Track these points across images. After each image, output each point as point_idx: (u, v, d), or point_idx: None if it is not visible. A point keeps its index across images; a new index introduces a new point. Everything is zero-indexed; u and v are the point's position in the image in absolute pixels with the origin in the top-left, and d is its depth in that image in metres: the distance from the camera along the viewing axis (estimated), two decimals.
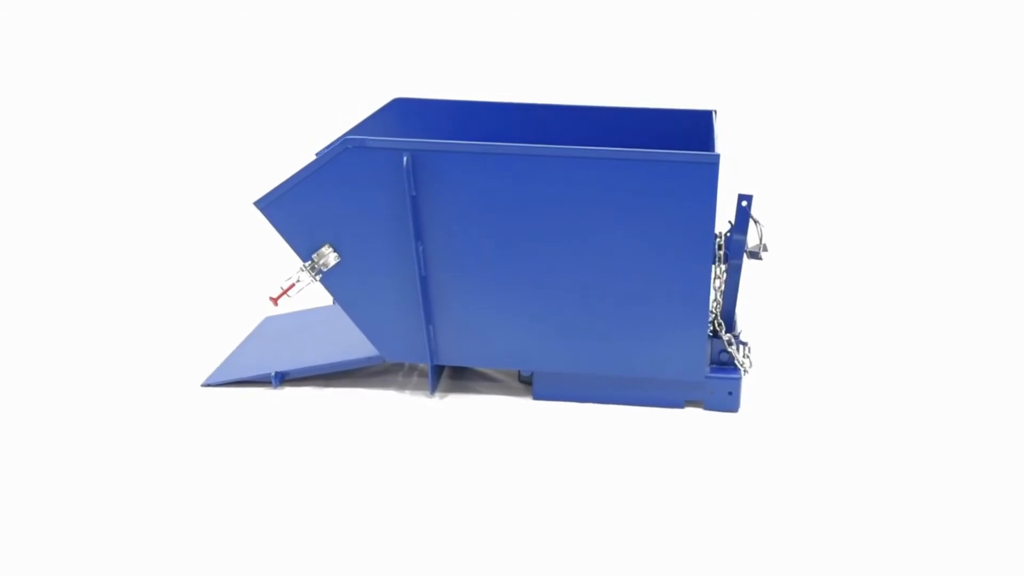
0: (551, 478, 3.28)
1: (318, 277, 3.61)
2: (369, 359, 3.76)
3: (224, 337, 4.17)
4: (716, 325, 3.67)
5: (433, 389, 3.75)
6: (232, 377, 3.83)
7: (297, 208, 3.59)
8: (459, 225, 3.55)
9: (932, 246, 5.13)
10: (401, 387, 3.80)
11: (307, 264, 3.61)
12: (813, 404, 3.69)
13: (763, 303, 4.54)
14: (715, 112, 3.97)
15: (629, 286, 3.54)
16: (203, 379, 3.85)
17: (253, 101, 6.49)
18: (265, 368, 3.82)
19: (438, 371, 3.82)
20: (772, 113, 6.38)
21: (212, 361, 3.96)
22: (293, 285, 3.61)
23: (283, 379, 3.80)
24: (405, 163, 3.46)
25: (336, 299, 3.69)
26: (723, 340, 3.64)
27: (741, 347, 3.69)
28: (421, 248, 3.58)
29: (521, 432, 3.54)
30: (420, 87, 6.05)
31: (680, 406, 3.67)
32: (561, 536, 3.00)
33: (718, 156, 3.38)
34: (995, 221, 5.41)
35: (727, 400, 3.64)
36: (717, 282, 3.67)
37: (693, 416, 3.62)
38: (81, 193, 5.73)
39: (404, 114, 4.16)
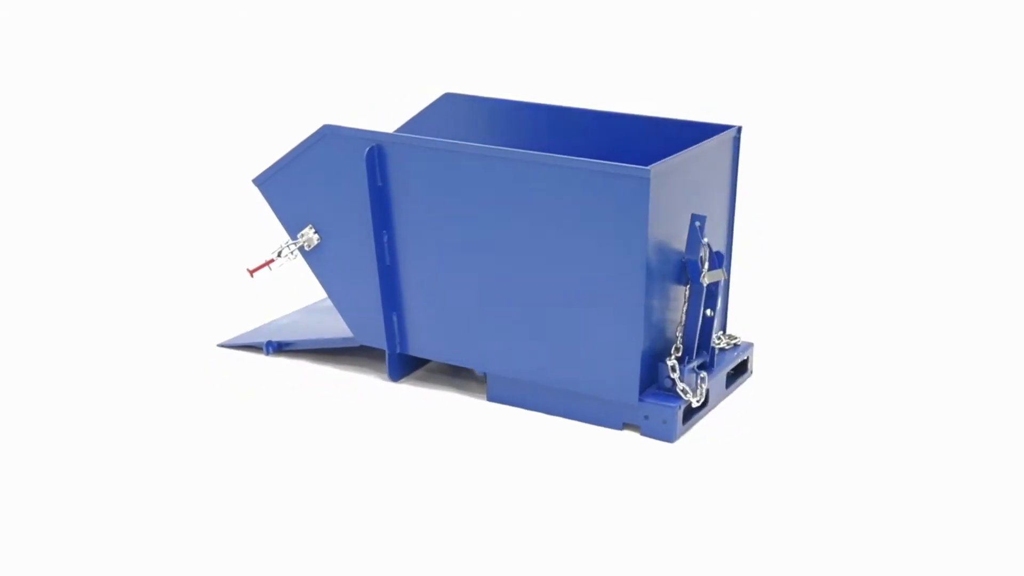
0: (443, 477, 3.26)
1: (295, 256, 3.80)
2: (345, 340, 3.89)
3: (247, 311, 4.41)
4: (675, 349, 3.52)
5: (396, 376, 3.83)
6: (243, 342, 4.09)
7: (285, 188, 3.79)
8: (421, 218, 3.61)
9: (931, 252, 5.00)
10: (381, 370, 3.92)
11: (290, 242, 3.81)
12: (761, 437, 3.45)
13: (760, 308, 4.36)
14: (739, 128, 3.77)
15: (566, 297, 3.46)
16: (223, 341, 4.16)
17: (307, 91, 6.57)
18: (270, 337, 4.05)
19: (410, 359, 3.89)
20: (793, 127, 6.21)
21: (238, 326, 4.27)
22: (272, 260, 3.82)
23: (276, 349, 4.02)
24: (367, 153, 3.59)
25: (317, 278, 3.86)
26: (667, 365, 3.47)
27: (694, 376, 3.49)
28: (386, 237, 3.68)
29: (451, 429, 3.54)
30: (497, 83, 6.01)
31: (618, 427, 3.54)
32: (406, 537, 3.00)
33: (649, 171, 3.24)
34: (994, 222, 5.28)
35: (661, 428, 3.45)
36: (686, 305, 3.51)
37: (625, 440, 3.46)
38: (117, 178, 5.92)
39: (453, 109, 4.25)
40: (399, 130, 4.22)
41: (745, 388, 3.80)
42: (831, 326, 4.31)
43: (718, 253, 3.54)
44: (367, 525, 3.03)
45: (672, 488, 3.22)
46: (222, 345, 4.09)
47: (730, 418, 3.61)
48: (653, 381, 3.51)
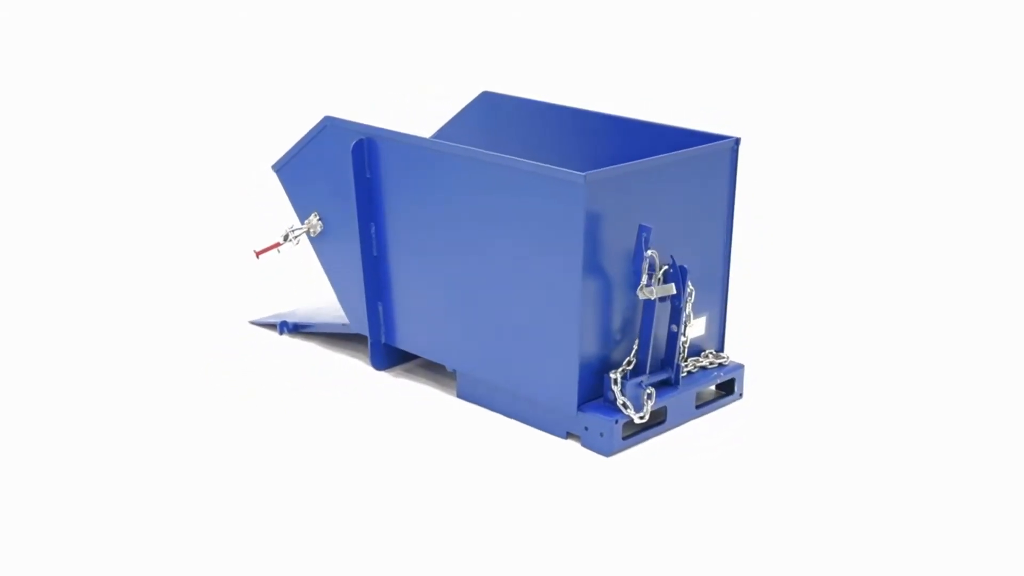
0: (379, 472, 3.29)
1: (297, 242, 3.92)
2: (344, 326, 3.99)
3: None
4: (627, 362, 3.41)
5: (381, 365, 3.89)
6: (272, 320, 4.26)
7: (295, 175, 3.93)
8: (403, 212, 3.68)
9: (932, 263, 4.95)
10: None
11: (296, 227, 3.94)
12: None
13: (764, 326, 4.22)
14: (737, 140, 3.60)
15: (517, 299, 3.44)
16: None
17: (355, 87, 6.54)
18: (292, 318, 4.20)
19: (397, 350, 3.92)
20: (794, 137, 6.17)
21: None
22: (279, 244, 3.96)
23: (291, 330, 4.16)
24: (353, 145, 3.67)
25: (321, 265, 3.97)
26: (610, 378, 3.36)
27: (639, 392, 3.36)
28: (374, 228, 3.76)
29: (411, 423, 3.57)
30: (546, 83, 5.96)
31: (562, 436, 3.46)
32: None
33: (583, 177, 3.16)
34: (993, 224, 5.28)
35: (599, 442, 3.36)
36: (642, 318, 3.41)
37: (564, 449, 3.40)
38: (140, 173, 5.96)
39: (490, 108, 4.26)
40: (443, 127, 4.31)
41: (725, 411, 3.64)
42: (832, 349, 4.12)
43: (681, 267, 3.40)
44: (301, 517, 3.06)
45: (589, 504, 3.14)
46: (253, 322, 4.28)
47: (689, 440, 3.48)
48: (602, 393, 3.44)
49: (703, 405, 3.62)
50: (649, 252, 3.27)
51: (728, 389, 3.69)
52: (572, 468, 3.32)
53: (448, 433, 3.53)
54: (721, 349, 3.75)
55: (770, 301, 4.57)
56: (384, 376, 3.88)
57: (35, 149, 6.14)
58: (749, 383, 3.78)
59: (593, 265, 3.27)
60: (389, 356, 3.92)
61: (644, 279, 3.27)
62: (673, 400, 3.50)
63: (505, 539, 2.97)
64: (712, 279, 3.67)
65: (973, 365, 4.01)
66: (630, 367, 3.41)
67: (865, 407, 3.68)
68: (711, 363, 3.66)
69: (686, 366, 3.60)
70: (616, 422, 3.34)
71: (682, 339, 3.51)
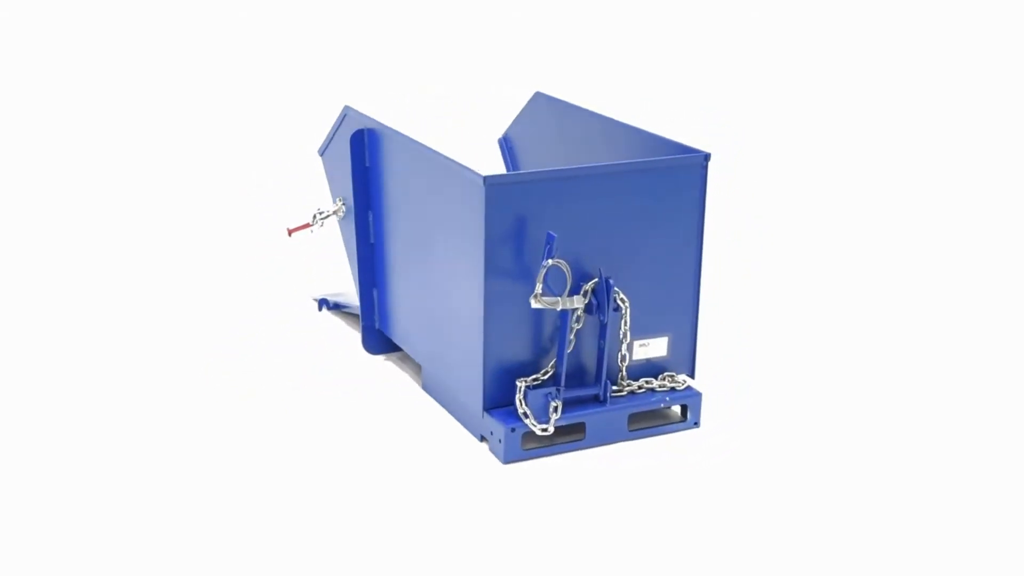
0: (320, 463, 3.35)
1: (322, 225, 4.08)
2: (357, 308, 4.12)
3: None
4: (543, 372, 3.35)
5: (374, 350, 3.99)
6: (336, 300, 4.45)
7: (329, 160, 4.10)
8: (390, 204, 3.77)
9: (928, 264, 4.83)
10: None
11: (322, 210, 4.10)
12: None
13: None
14: (706, 156, 3.39)
15: (446, 298, 3.48)
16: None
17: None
18: (339, 298, 4.38)
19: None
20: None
21: None
22: (308, 225, 4.13)
23: (331, 308, 4.32)
24: (352, 135, 3.79)
25: (346, 248, 4.11)
26: (517, 386, 3.28)
27: (544, 403, 3.26)
28: (371, 217, 3.86)
29: (369, 413, 3.63)
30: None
31: (479, 438, 3.41)
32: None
33: (483, 178, 3.12)
34: (992, 225, 5.22)
35: (498, 448, 3.31)
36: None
37: (471, 452, 3.38)
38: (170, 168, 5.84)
39: (542, 108, 4.22)
40: (510, 127, 4.33)
41: (666, 439, 3.46)
42: (819, 385, 3.84)
43: (607, 281, 3.27)
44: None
45: (446, 507, 3.14)
46: (314, 299, 4.51)
47: (603, 462, 3.35)
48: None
49: (646, 428, 3.47)
50: (551, 261, 3.18)
51: (682, 413, 3.52)
52: (464, 471, 3.31)
53: (394, 427, 3.57)
54: (691, 373, 3.57)
55: (766, 325, 4.31)
56: (369, 363, 3.95)
57: (30, 145, 5.98)
58: (715, 413, 3.58)
59: (500, 269, 3.23)
60: (383, 342, 4.03)
61: (538, 287, 3.19)
62: (599, 418, 3.39)
63: (356, 532, 3.01)
64: (677, 299, 3.49)
65: (958, 384, 3.85)
66: (546, 376, 3.35)
67: (831, 460, 3.40)
68: (661, 385, 3.49)
69: (629, 386, 3.47)
70: (512, 430, 3.28)
71: (620, 355, 3.40)
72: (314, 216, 4.16)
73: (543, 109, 4.24)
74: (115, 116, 6.15)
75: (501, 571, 2.85)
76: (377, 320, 3.97)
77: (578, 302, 3.26)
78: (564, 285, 3.25)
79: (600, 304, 3.31)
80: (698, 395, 3.50)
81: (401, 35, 6.76)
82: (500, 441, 3.32)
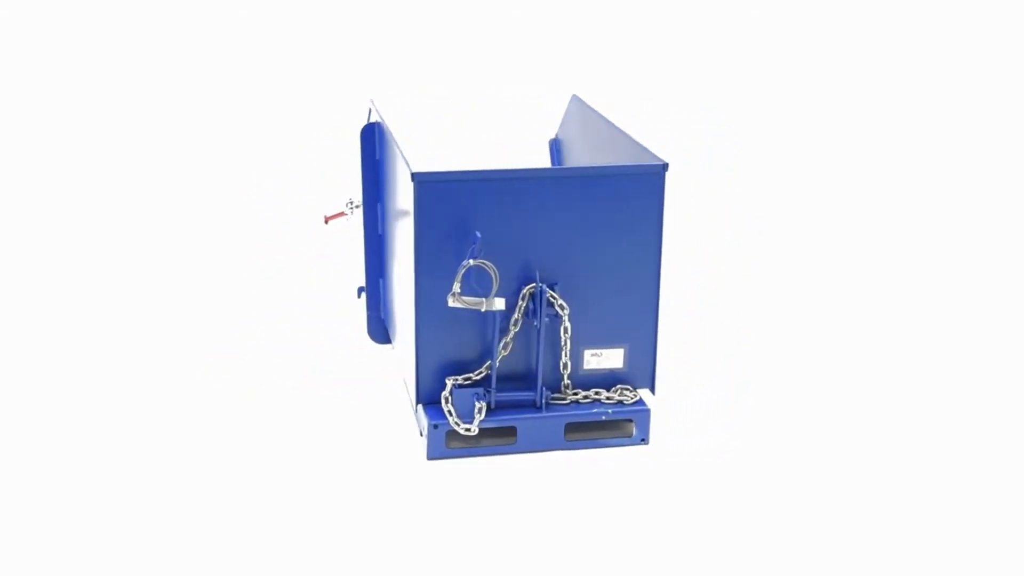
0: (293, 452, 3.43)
1: (352, 214, 4.17)
2: None
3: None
4: (476, 372, 3.35)
5: (379, 338, 4.04)
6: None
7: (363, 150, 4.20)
8: (385, 197, 3.84)
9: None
10: None
11: (353, 200, 4.19)
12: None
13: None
14: (664, 166, 3.28)
15: (400, 295, 3.53)
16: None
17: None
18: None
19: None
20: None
21: None
22: (343, 213, 4.24)
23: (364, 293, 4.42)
24: (362, 129, 3.87)
25: None
26: (446, 384, 3.28)
27: (471, 402, 3.24)
28: (380, 209, 3.93)
29: (350, 401, 3.71)
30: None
31: (420, 434, 3.42)
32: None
33: (416, 174, 3.14)
34: (992, 225, 5.08)
35: (424, 441, 3.30)
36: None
37: (407, 445, 3.39)
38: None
39: (576, 111, 4.17)
40: (559, 129, 4.31)
41: (605, 452, 3.38)
42: (787, 407, 3.69)
43: (540, 288, 3.23)
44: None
45: (355, 499, 3.18)
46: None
47: (528, 469, 3.31)
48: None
49: (588, 440, 3.40)
50: (474, 261, 3.18)
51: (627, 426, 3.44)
52: (390, 466, 3.34)
53: (364, 418, 3.63)
54: (651, 387, 3.46)
55: (766, 325, 4.19)
56: (372, 362, 3.98)
57: (31, 145, 5.83)
58: (665, 430, 3.48)
59: (432, 267, 3.25)
60: (386, 331, 4.11)
61: (455, 286, 3.18)
62: (531, 424, 3.35)
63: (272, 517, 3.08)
64: (635, 310, 3.40)
65: (958, 383, 3.80)
66: (480, 377, 3.34)
67: (782, 487, 3.25)
68: (609, 398, 3.40)
69: (575, 395, 3.40)
70: (436, 427, 3.30)
71: (563, 363, 3.35)
72: (347, 204, 4.30)
73: (576, 113, 4.21)
74: (115, 116, 6.00)
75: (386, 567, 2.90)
76: (382, 309, 4.07)
77: (501, 304, 3.24)
78: (490, 287, 3.24)
79: (535, 309, 3.29)
80: (646, 410, 3.40)
81: (448, 38, 6.49)
82: (421, 434, 3.36)
